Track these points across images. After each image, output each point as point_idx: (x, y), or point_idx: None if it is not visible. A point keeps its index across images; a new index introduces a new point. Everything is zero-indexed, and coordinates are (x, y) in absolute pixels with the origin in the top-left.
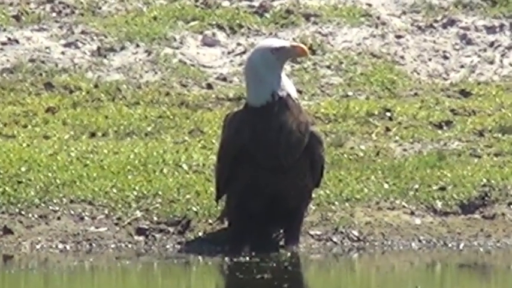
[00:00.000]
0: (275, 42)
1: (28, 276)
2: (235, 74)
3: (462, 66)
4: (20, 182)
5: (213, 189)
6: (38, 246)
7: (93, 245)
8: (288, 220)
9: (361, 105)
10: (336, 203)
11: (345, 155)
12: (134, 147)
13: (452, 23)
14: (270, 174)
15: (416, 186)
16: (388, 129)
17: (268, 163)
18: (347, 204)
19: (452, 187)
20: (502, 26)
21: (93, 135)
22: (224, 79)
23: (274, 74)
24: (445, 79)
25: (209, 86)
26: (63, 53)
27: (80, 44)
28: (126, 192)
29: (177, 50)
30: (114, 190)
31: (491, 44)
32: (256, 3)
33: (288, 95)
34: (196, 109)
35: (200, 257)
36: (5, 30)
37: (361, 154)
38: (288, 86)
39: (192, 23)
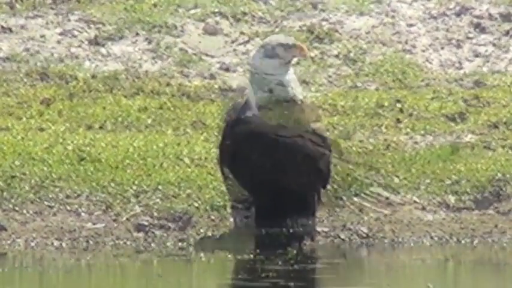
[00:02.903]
0: (279, 38)
1: (22, 274)
2: (238, 64)
3: (476, 56)
4: (14, 177)
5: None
6: (32, 244)
7: (90, 242)
8: (300, 215)
9: (371, 96)
10: (344, 198)
11: (354, 148)
12: (133, 140)
13: (465, 10)
14: (271, 173)
15: (428, 180)
16: (398, 122)
17: (264, 168)
18: (356, 199)
19: (465, 181)
20: None
21: (90, 127)
22: (227, 69)
23: (274, 73)
24: (458, 69)
25: (211, 76)
26: (59, 41)
27: (76, 32)
28: (125, 187)
29: (178, 38)
30: (112, 185)
31: (507, 33)
32: None
33: (286, 100)
34: (198, 100)
35: (202, 255)
36: None
37: (371, 147)
38: (291, 88)
39: (194, 11)
